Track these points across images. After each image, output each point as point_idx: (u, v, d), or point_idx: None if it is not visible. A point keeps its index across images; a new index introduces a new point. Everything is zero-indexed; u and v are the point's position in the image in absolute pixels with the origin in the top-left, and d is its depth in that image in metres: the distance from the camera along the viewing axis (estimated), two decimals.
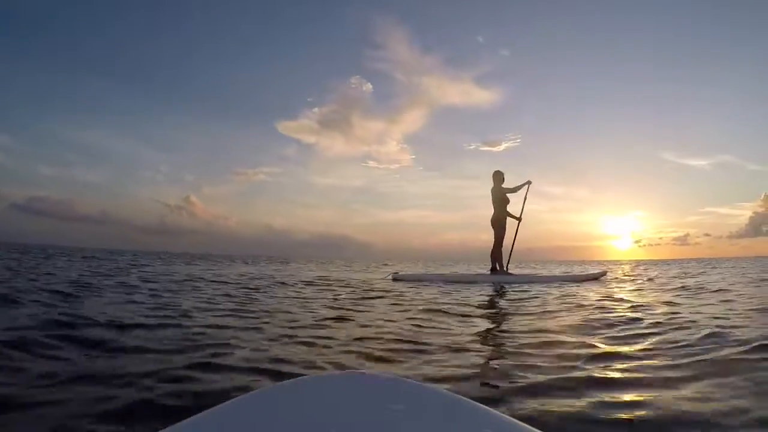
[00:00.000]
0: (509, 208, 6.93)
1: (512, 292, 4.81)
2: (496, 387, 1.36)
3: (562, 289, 5.04)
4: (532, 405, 1.19)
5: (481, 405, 0.47)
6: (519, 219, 6.87)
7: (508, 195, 6.93)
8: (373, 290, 4.96)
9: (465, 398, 0.48)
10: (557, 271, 8.69)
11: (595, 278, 6.92)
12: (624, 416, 1.10)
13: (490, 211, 6.94)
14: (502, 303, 3.90)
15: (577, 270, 8.79)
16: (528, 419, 1.02)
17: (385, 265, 17.65)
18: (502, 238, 6.88)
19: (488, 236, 6.95)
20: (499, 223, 6.91)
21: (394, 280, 6.70)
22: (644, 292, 4.65)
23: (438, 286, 5.78)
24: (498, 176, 7.02)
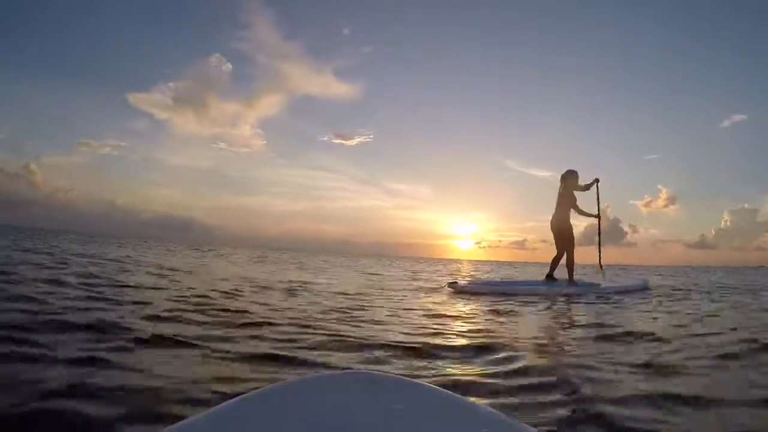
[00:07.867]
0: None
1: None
2: None
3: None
4: None
5: (482, 405, 0.48)
6: (598, 216, 6.58)
7: (576, 193, 6.48)
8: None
9: (465, 398, 0.49)
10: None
11: (646, 287, 6.60)
12: None
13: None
14: None
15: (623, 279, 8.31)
16: None
17: (262, 259, 14.05)
18: (573, 243, 6.44)
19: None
20: (570, 228, 6.47)
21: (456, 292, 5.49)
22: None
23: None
24: (573, 176, 6.49)
